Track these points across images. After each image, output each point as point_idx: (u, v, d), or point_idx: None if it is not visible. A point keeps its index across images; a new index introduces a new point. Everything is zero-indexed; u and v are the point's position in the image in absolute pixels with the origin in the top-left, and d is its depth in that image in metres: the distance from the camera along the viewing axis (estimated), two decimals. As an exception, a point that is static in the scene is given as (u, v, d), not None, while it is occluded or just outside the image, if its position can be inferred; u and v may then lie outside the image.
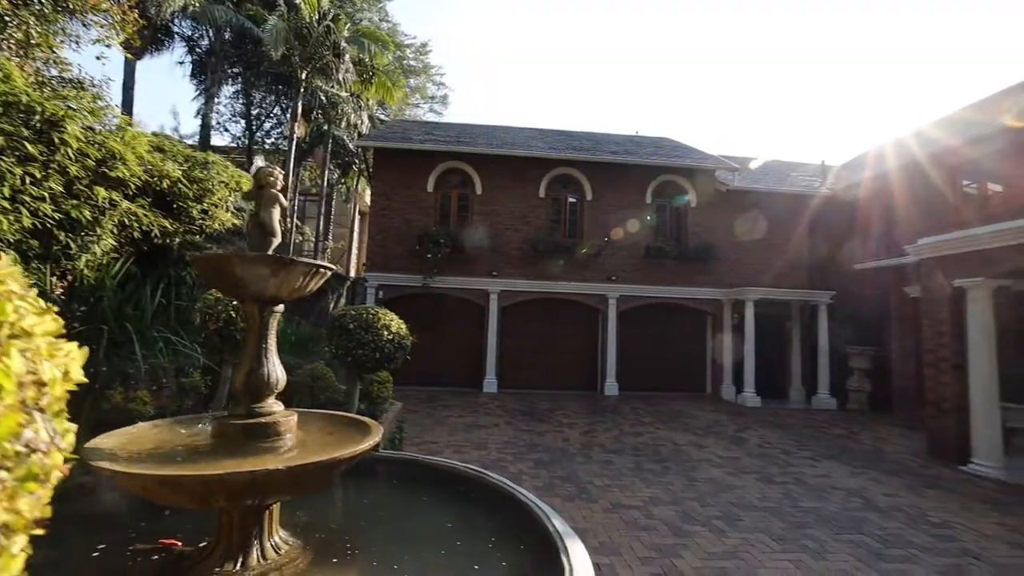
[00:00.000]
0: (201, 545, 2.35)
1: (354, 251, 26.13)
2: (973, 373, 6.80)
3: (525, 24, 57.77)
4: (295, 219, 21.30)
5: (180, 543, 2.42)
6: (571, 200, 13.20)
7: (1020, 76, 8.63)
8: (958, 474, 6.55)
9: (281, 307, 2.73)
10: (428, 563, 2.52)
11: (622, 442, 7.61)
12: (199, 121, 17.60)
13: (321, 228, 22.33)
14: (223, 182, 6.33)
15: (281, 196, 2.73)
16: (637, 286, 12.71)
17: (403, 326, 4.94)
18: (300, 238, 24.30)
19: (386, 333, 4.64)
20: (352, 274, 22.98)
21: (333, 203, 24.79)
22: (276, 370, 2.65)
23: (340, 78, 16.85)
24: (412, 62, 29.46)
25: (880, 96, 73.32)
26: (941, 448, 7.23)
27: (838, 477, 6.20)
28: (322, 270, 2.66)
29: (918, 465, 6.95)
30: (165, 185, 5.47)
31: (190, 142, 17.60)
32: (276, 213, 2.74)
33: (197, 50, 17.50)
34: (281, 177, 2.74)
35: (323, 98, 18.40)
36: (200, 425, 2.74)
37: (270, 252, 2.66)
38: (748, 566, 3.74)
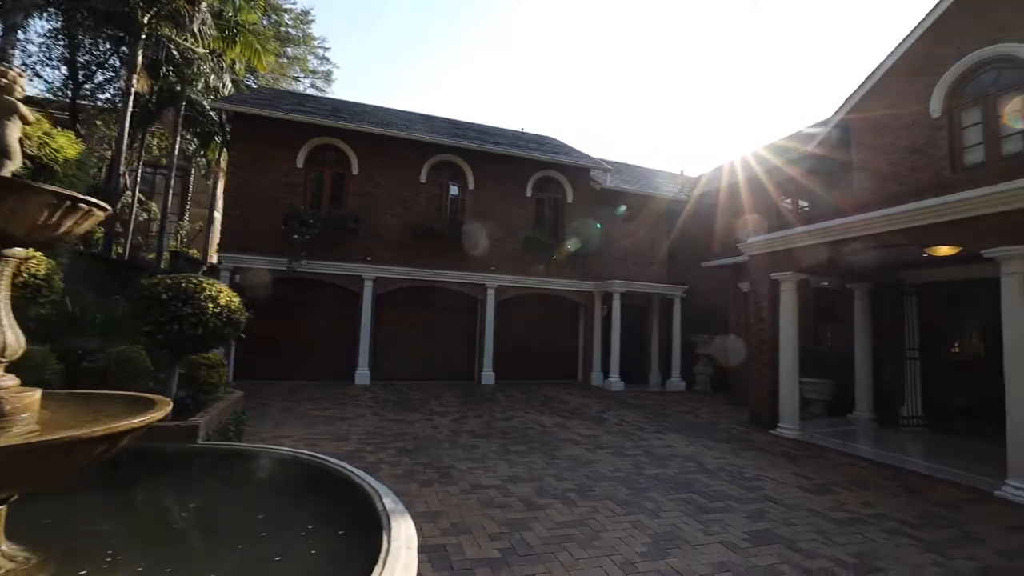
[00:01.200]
0: None
1: (216, 233, 22.97)
2: (783, 352, 8.08)
3: (420, 13, 56.26)
4: (137, 192, 18.02)
5: None
6: (453, 188, 13.00)
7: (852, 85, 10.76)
8: (769, 437, 7.72)
9: (18, 251, 2.10)
10: (218, 561, 2.12)
11: (492, 427, 7.63)
12: (-8, 57, 13.86)
13: (171, 204, 19.14)
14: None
15: (21, 106, 2.09)
16: (515, 276, 12.96)
17: (235, 298, 4.25)
18: (146, 215, 20.69)
19: (211, 306, 3.92)
20: (214, 259, 20.17)
21: (192, 179, 21.50)
22: (4, 333, 2.03)
23: (195, 29, 14.55)
24: (291, 30, 26.85)
25: (745, 109, 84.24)
26: (759, 417, 8.48)
27: (679, 447, 6.89)
28: (83, 205, 2.10)
29: (742, 432, 8.05)
30: None
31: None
32: (14, 128, 2.10)
33: (-11, -35, 13.74)
34: (21, 81, 2.10)
35: (175, 52, 15.77)
36: None
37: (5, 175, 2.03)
38: (592, 531, 3.90)
